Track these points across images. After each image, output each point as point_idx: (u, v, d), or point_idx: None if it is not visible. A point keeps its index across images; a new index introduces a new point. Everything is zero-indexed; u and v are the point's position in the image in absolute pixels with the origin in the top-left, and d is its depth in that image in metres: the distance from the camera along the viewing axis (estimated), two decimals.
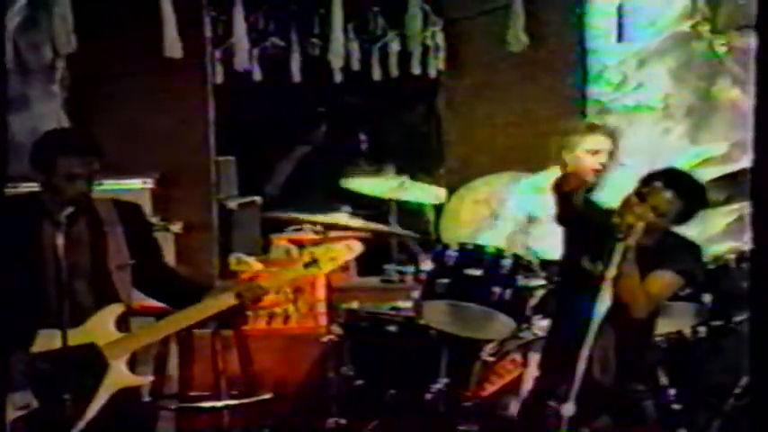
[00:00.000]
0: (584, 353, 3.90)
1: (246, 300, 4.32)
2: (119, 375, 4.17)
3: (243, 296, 4.31)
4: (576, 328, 4.02)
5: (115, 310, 4.23)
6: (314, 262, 4.39)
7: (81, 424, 4.08)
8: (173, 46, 6.60)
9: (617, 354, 4.23)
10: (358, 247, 4.49)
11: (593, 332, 3.93)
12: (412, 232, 6.61)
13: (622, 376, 4.28)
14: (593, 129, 5.45)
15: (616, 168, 5.48)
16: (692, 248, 4.44)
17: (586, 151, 5.32)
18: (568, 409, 3.88)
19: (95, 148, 4.30)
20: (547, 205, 5.29)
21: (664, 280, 4.30)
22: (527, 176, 5.70)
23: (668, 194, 4.26)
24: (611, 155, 5.33)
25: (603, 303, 3.97)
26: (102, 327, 4.20)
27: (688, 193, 4.32)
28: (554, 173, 5.07)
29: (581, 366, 3.89)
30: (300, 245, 4.58)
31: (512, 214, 5.55)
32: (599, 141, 5.36)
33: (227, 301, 4.30)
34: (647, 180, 4.31)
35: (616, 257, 4.07)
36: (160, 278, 4.46)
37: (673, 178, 4.32)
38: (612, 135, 5.42)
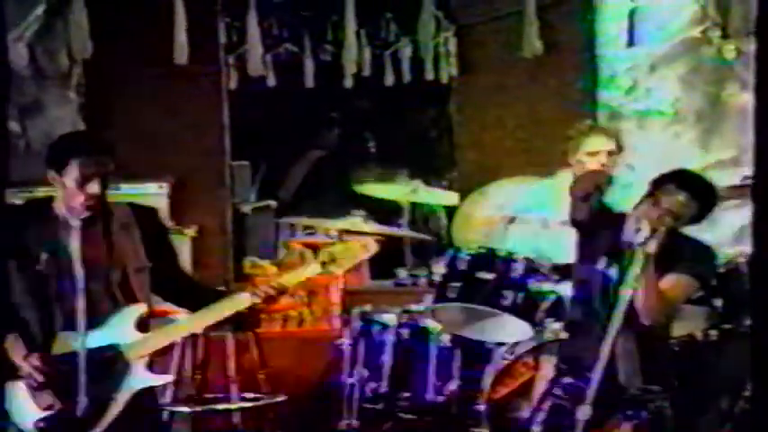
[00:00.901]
0: (603, 357, 3.91)
1: (261, 298, 4.33)
2: (141, 375, 4.20)
3: (257, 294, 4.32)
4: (592, 331, 4.05)
5: (135, 311, 4.26)
6: (332, 261, 4.39)
7: (104, 424, 4.13)
8: (182, 53, 6.66)
9: (640, 357, 4.24)
10: (373, 247, 4.49)
11: (611, 337, 3.94)
12: (425, 235, 6.65)
13: (643, 379, 4.29)
14: (591, 130, 5.41)
15: (621, 170, 5.50)
16: (706, 250, 4.42)
17: (586, 153, 5.36)
18: (585, 412, 3.89)
19: (108, 149, 4.32)
20: (559, 209, 5.35)
21: (680, 283, 4.28)
22: (539, 180, 5.74)
23: (682, 197, 4.23)
24: (611, 155, 5.31)
25: (622, 308, 3.98)
26: (122, 328, 4.23)
27: (701, 193, 4.29)
28: (564, 176, 5.11)
29: (599, 370, 3.90)
30: (314, 248, 4.58)
31: (527, 217, 5.60)
32: (597, 143, 5.36)
33: (244, 300, 4.32)
34: (659, 183, 4.31)
35: (637, 263, 4.05)
36: (176, 282, 4.48)
37: (685, 180, 4.29)
38: (614, 136, 5.37)
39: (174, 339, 4.55)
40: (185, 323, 4.39)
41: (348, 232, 5.80)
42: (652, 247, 4.07)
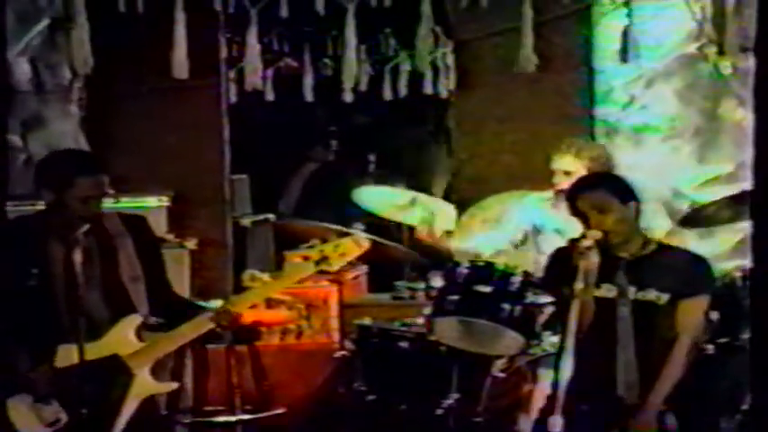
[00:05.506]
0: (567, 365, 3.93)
1: (220, 323, 4.36)
2: (145, 384, 4.21)
3: (216, 320, 4.35)
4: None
5: (134, 320, 4.28)
6: (324, 259, 4.37)
7: None
8: (180, 67, 6.69)
9: (640, 369, 4.28)
10: (365, 243, 4.48)
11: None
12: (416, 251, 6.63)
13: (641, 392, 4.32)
14: (562, 150, 5.47)
15: None
16: (703, 263, 4.47)
17: (558, 172, 5.43)
18: (556, 422, 3.81)
19: (105, 168, 4.37)
20: (553, 219, 5.40)
21: (698, 306, 4.39)
22: (536, 194, 5.79)
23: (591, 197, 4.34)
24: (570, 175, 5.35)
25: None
26: (122, 338, 4.24)
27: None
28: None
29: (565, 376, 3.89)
30: None
31: (516, 221, 5.66)
32: (565, 163, 5.42)
33: (205, 324, 4.35)
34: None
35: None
36: (160, 293, 4.48)
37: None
38: (584, 156, 5.40)
39: (176, 346, 4.53)
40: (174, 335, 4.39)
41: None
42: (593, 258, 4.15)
